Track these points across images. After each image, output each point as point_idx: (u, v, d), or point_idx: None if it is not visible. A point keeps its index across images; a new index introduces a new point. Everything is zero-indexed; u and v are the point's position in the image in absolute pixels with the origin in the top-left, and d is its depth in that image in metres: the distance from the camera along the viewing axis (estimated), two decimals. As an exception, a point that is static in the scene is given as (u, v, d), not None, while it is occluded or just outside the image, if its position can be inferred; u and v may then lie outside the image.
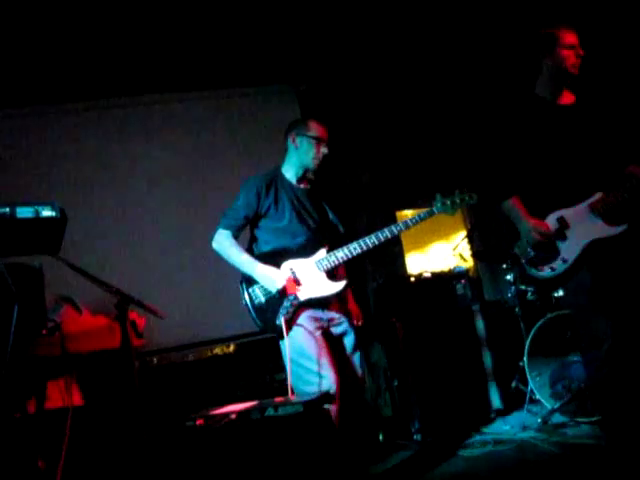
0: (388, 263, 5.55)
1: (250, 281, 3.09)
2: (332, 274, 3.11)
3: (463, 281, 4.56)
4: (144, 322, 2.80)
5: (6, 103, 4.81)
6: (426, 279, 4.66)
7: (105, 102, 5.08)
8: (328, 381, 2.86)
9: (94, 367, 3.03)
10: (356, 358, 3.16)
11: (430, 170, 5.57)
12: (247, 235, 3.27)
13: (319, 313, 3.08)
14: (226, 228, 3.17)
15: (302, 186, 3.26)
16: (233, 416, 2.33)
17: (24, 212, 2.34)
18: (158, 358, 4.25)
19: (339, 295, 3.13)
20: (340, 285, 3.09)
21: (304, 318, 3.03)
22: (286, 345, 2.91)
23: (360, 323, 3.27)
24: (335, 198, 4.68)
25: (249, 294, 3.10)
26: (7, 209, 2.31)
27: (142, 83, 5.01)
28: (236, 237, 3.19)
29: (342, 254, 3.09)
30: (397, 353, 4.30)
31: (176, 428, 2.42)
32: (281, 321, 2.93)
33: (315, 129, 3.23)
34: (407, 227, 3.13)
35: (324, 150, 3.21)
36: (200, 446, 2.36)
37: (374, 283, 4.91)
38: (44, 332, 2.59)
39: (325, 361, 2.94)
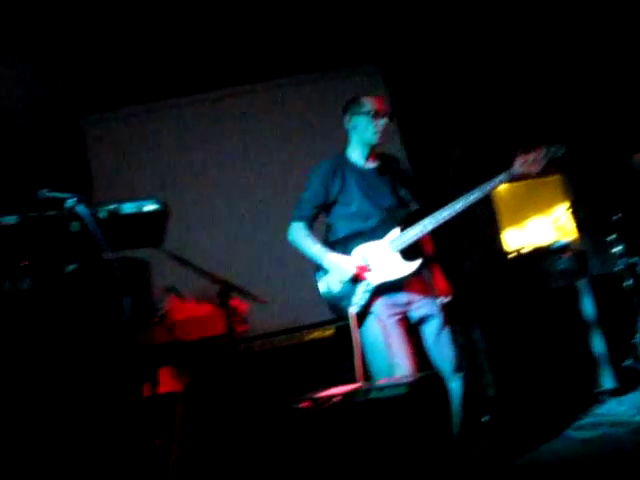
0: (485, 240, 5.40)
1: (325, 270, 3.07)
2: (407, 254, 2.99)
3: (566, 255, 4.36)
4: (246, 308, 2.88)
5: (112, 105, 5.10)
6: (526, 255, 4.51)
7: (203, 96, 5.28)
8: (402, 370, 2.83)
9: (201, 353, 3.15)
10: (444, 338, 3.04)
11: (523, 142, 5.34)
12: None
13: (396, 297, 2.99)
14: (299, 220, 3.16)
15: (370, 165, 3.18)
16: (338, 398, 2.34)
17: (129, 207, 2.45)
18: (260, 343, 4.35)
19: (419, 274, 3.03)
20: (415, 264, 2.97)
21: (379, 305, 2.97)
22: (354, 333, 2.85)
23: (447, 300, 3.13)
24: (423, 175, 4.59)
25: (324, 283, 3.08)
26: (114, 206, 2.43)
27: (233, 75, 5.17)
28: (311, 227, 3.16)
29: (415, 231, 2.98)
30: (498, 331, 4.20)
31: (282, 411, 2.47)
32: (351, 311, 2.89)
33: (368, 103, 3.13)
34: (483, 193, 2.93)
35: (382, 121, 3.09)
36: (306, 429, 2.40)
37: (470, 261, 4.81)
38: (153, 321, 2.71)
39: (399, 350, 2.90)
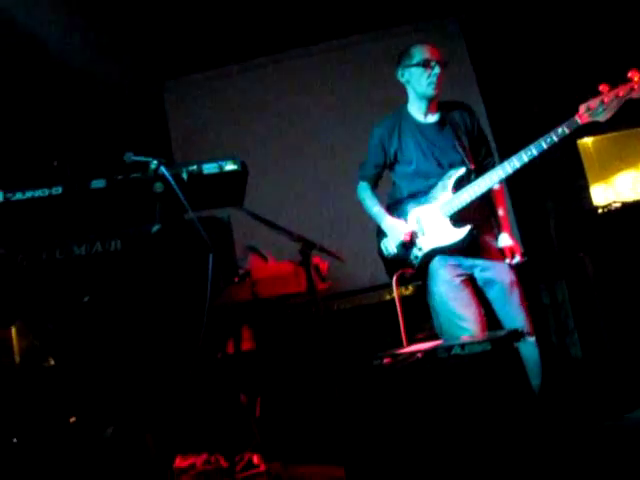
0: (572, 196, 5.16)
1: (383, 232, 3.05)
2: (458, 218, 2.85)
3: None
4: (327, 266, 2.90)
5: (193, 68, 5.21)
6: (616, 210, 4.30)
7: (278, 56, 5.29)
8: (469, 332, 2.77)
9: (282, 311, 3.20)
10: (513, 300, 2.89)
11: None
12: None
13: (458, 259, 2.91)
14: (362, 180, 3.18)
15: (431, 119, 3.02)
16: (419, 355, 2.33)
17: (210, 168, 2.47)
18: (338, 302, 4.38)
19: (482, 236, 2.90)
20: (463, 232, 2.83)
21: (440, 267, 2.90)
22: (396, 297, 2.79)
23: (515, 261, 2.93)
24: (503, 129, 4.38)
25: (382, 244, 3.06)
26: (195, 166, 2.46)
27: (304, 35, 5.13)
28: (375, 186, 3.15)
29: (466, 195, 2.81)
30: (586, 290, 4.04)
31: (363, 367, 2.49)
32: (395, 275, 2.85)
33: (418, 53, 2.95)
34: (540, 150, 2.65)
35: (436, 70, 2.89)
36: (387, 385, 2.40)
37: (555, 219, 4.64)
38: (236, 279, 2.76)
39: (464, 311, 2.84)
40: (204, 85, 5.33)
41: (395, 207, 3.06)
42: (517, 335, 2.37)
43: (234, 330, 3.02)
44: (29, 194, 2.36)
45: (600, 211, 4.32)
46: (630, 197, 4.68)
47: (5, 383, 3.22)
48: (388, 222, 3.02)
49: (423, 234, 2.92)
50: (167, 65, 5.19)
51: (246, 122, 5.19)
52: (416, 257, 2.92)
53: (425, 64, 2.93)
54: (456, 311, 2.85)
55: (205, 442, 3.12)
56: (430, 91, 2.95)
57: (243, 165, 2.50)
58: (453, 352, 2.28)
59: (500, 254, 2.97)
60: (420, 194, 2.97)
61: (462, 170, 2.90)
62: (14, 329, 3.51)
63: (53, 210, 2.42)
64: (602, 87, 2.64)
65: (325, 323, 2.71)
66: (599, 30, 5.11)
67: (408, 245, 2.93)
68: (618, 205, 4.32)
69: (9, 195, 2.34)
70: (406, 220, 2.98)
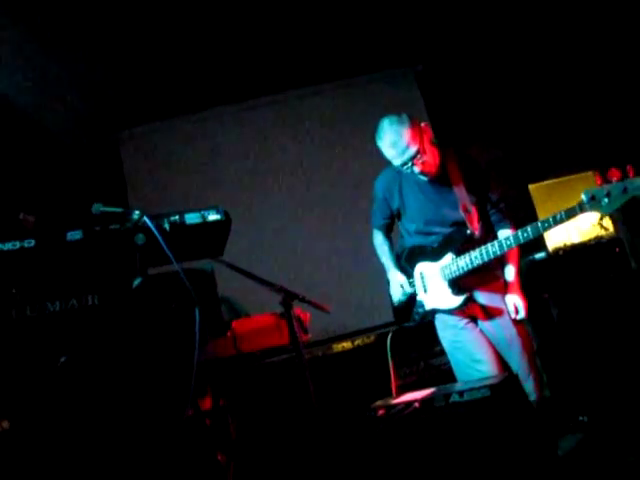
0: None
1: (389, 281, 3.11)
2: (455, 285, 2.80)
3: (617, 250, 4.27)
4: (309, 317, 2.82)
5: (142, 119, 5.09)
6: (574, 250, 4.41)
7: (250, 103, 5.29)
8: (483, 372, 2.75)
9: (264, 365, 3.09)
10: (514, 350, 2.80)
11: (564, 140, 5.29)
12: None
13: (459, 313, 2.90)
14: (375, 228, 3.18)
15: (430, 177, 2.81)
16: (416, 405, 2.28)
17: (192, 218, 2.39)
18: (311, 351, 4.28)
19: (475, 304, 2.86)
20: (459, 300, 2.79)
21: (444, 312, 2.90)
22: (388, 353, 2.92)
23: (520, 317, 2.82)
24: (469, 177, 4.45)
25: (390, 294, 3.10)
26: (177, 217, 2.37)
27: (259, 86, 5.16)
28: (390, 231, 3.15)
29: (463, 263, 2.73)
30: (551, 331, 4.10)
31: (357, 419, 2.41)
32: (390, 334, 3.00)
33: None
34: (537, 233, 2.53)
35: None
36: (384, 437, 2.33)
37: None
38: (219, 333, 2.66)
39: (475, 354, 2.82)
40: (159, 135, 5.25)
41: (403, 257, 3.05)
42: (515, 379, 2.35)
43: (215, 385, 2.89)
44: (-2, 247, 2.21)
45: (560, 252, 4.42)
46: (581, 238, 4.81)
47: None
48: (391, 275, 3.05)
49: (425, 292, 2.91)
50: (122, 115, 5.09)
51: (203, 172, 5.12)
52: (418, 313, 2.95)
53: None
54: (467, 354, 2.82)
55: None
56: (417, 175, 2.81)
57: (226, 215, 2.42)
58: (451, 400, 2.24)
59: (504, 309, 2.85)
60: (424, 250, 2.92)
61: (464, 233, 2.79)
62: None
63: (25, 264, 2.28)
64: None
65: (307, 375, 2.61)
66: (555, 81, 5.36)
67: (411, 299, 2.95)
68: (574, 245, 4.45)
69: (-24, 249, 2.18)
70: (412, 274, 2.97)
